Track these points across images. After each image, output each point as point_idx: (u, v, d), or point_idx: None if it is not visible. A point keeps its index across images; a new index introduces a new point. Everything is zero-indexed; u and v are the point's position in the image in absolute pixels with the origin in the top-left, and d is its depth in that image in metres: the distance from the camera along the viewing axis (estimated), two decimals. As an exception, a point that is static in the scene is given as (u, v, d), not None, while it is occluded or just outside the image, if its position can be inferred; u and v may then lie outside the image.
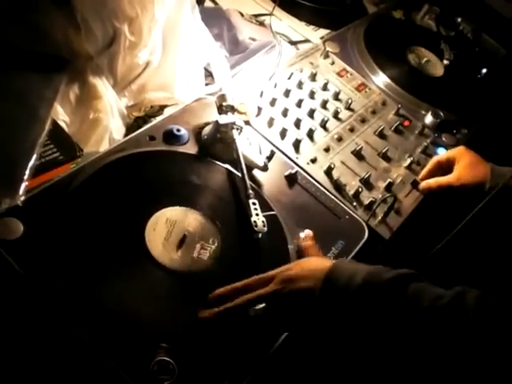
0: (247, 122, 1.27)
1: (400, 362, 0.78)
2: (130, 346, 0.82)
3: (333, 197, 1.23)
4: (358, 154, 1.38)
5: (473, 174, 1.29)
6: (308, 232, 1.08)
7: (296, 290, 0.83)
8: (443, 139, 1.56)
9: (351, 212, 1.21)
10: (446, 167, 1.36)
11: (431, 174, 1.38)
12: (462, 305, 0.74)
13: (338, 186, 1.28)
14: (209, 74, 1.44)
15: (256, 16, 1.76)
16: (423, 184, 1.35)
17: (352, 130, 1.45)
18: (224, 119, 1.13)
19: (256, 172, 1.17)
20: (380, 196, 1.30)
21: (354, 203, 1.27)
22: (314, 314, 0.82)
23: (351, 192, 1.28)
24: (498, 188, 1.22)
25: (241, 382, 0.86)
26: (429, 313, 0.74)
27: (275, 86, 1.43)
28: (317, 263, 0.87)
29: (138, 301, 0.88)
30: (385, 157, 1.41)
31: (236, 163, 1.13)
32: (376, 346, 0.79)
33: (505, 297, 0.73)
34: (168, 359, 0.83)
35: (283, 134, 1.33)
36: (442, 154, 1.46)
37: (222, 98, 1.18)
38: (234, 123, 1.14)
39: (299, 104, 1.43)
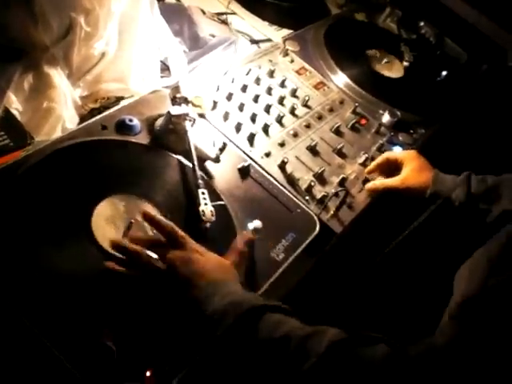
0: (202, 115, 1.28)
1: None
2: (71, 330, 0.83)
3: (285, 190, 1.24)
4: (313, 150, 1.40)
5: (417, 179, 1.33)
6: (257, 223, 1.09)
7: (184, 279, 0.87)
8: (400, 138, 1.58)
9: (303, 206, 1.23)
10: (393, 166, 1.39)
11: (378, 168, 1.41)
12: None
13: (291, 180, 1.30)
14: (166, 68, 1.45)
15: (218, 14, 1.77)
16: (370, 185, 1.38)
17: (308, 126, 1.46)
18: (176, 110, 1.14)
19: (209, 164, 1.18)
20: (333, 191, 1.31)
21: (307, 197, 1.28)
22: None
23: (304, 186, 1.29)
24: (440, 201, 1.29)
25: (181, 368, 0.87)
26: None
27: (232, 81, 1.45)
28: (221, 271, 0.91)
29: (80, 282, 0.89)
30: (340, 153, 1.43)
31: (188, 154, 1.13)
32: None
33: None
34: (110, 344, 0.83)
35: (238, 127, 1.34)
36: (394, 151, 1.49)
37: (176, 89, 1.19)
38: (186, 114, 1.14)
39: (256, 99, 1.44)
